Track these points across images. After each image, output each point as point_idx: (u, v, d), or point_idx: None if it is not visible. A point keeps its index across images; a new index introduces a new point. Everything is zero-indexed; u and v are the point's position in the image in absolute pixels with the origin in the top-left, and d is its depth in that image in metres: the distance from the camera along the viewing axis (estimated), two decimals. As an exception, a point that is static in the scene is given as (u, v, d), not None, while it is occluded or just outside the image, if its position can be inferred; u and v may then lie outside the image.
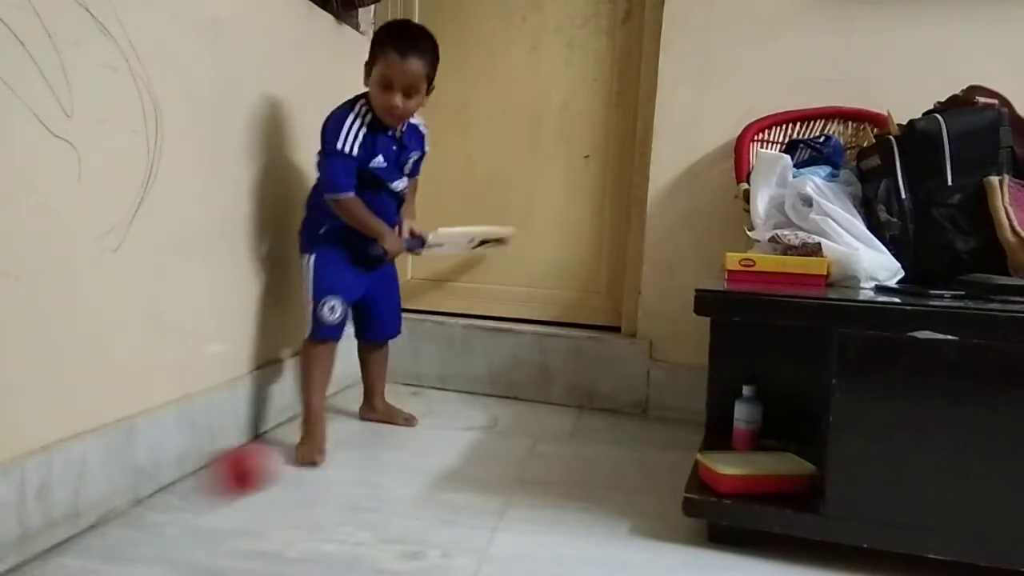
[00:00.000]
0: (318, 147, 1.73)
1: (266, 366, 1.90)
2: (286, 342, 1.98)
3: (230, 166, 1.72)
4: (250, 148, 1.78)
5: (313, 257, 1.79)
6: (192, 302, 1.61)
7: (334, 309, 1.77)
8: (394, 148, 1.78)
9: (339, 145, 1.68)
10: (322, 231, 1.79)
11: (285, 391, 1.97)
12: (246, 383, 1.81)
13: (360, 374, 2.07)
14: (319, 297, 1.76)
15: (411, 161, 1.86)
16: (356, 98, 1.74)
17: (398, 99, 1.67)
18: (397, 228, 1.85)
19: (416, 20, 2.40)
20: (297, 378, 2.02)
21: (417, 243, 1.91)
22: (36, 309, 1.21)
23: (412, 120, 1.83)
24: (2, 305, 1.15)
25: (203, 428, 1.64)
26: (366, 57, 1.73)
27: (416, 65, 1.68)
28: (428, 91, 1.76)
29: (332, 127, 1.70)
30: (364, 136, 1.70)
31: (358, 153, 1.69)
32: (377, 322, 1.98)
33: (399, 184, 1.83)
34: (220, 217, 1.69)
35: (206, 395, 1.65)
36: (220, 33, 1.63)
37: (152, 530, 1.35)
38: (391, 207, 1.84)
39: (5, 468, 1.16)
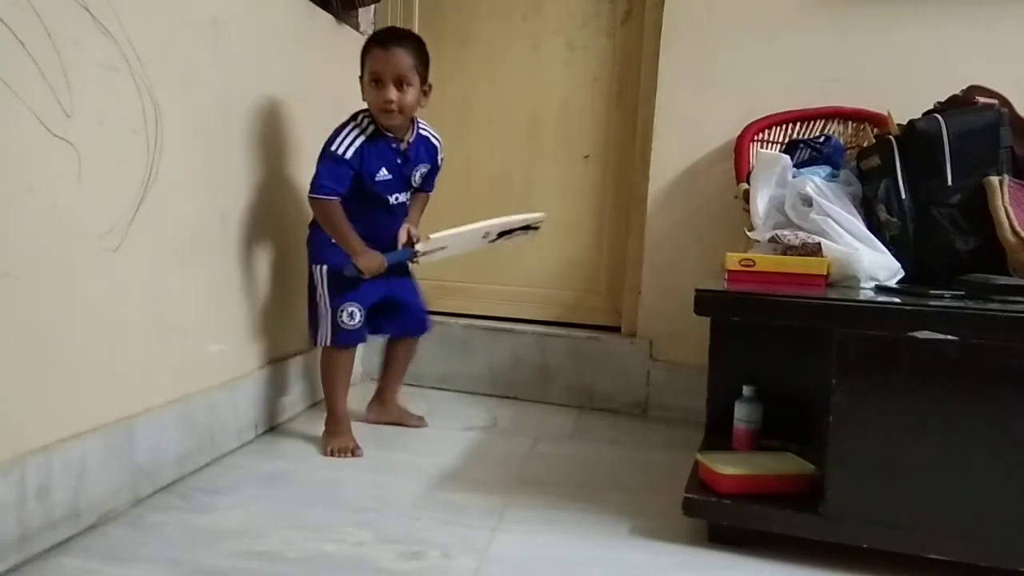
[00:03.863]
0: (319, 152, 1.73)
1: (267, 366, 1.90)
2: (287, 342, 1.98)
3: (230, 166, 1.72)
4: (250, 148, 1.78)
5: (325, 268, 1.77)
6: (192, 302, 1.61)
7: (353, 315, 1.77)
8: (398, 161, 1.77)
9: (333, 147, 1.69)
10: (333, 241, 1.76)
11: (285, 391, 1.98)
12: (246, 383, 1.81)
13: (378, 371, 2.07)
14: (338, 304, 1.76)
15: (418, 174, 1.84)
16: (358, 112, 1.75)
17: (391, 92, 1.67)
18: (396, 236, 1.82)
19: (416, 20, 2.41)
20: (299, 378, 2.04)
21: (407, 253, 1.81)
22: (36, 309, 1.21)
23: (423, 131, 1.83)
24: (2, 305, 1.15)
25: (203, 428, 1.64)
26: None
27: (400, 55, 1.68)
28: (426, 91, 1.76)
29: (331, 135, 1.71)
30: (362, 144, 1.70)
31: (352, 158, 1.69)
32: (402, 318, 1.94)
33: (399, 197, 1.81)
34: (220, 217, 1.69)
35: (206, 395, 1.65)
36: (220, 33, 1.63)
37: (152, 530, 1.35)
38: (386, 222, 1.80)
39: (5, 468, 1.16)
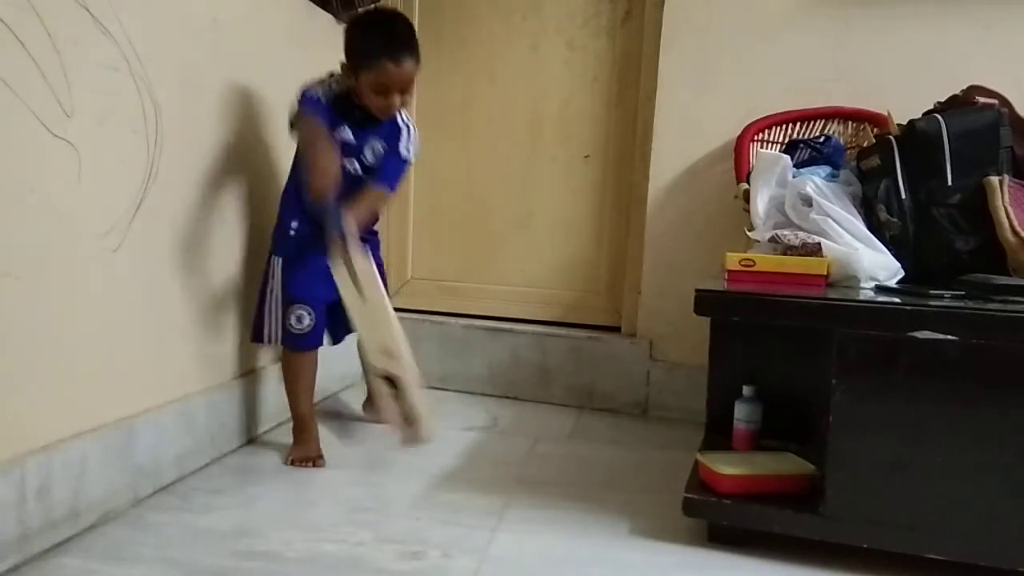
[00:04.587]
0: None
1: (267, 366, 1.90)
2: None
3: (230, 165, 1.71)
4: (250, 147, 1.78)
5: (281, 261, 1.73)
6: (192, 302, 1.61)
7: (301, 319, 1.71)
8: (358, 128, 1.69)
9: (311, 94, 1.62)
10: (292, 232, 1.72)
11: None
12: (247, 383, 1.81)
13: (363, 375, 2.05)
14: (287, 306, 1.71)
15: (370, 150, 1.72)
16: (327, 77, 1.68)
17: (396, 100, 1.65)
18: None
19: (416, 21, 2.40)
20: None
21: (338, 222, 1.52)
22: (36, 309, 1.21)
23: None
24: (2, 305, 1.15)
25: (203, 428, 1.64)
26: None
27: (410, 66, 1.64)
28: None
29: (303, 90, 1.64)
30: (331, 100, 1.64)
31: (326, 107, 1.62)
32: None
33: (354, 164, 1.70)
34: (220, 217, 1.69)
35: (206, 395, 1.66)
36: (220, 33, 1.63)
37: (152, 530, 1.35)
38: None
39: (5, 468, 1.16)
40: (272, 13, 1.85)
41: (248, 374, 1.83)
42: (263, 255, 1.85)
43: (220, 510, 1.45)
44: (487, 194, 2.43)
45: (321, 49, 2.06)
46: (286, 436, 1.85)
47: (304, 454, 1.72)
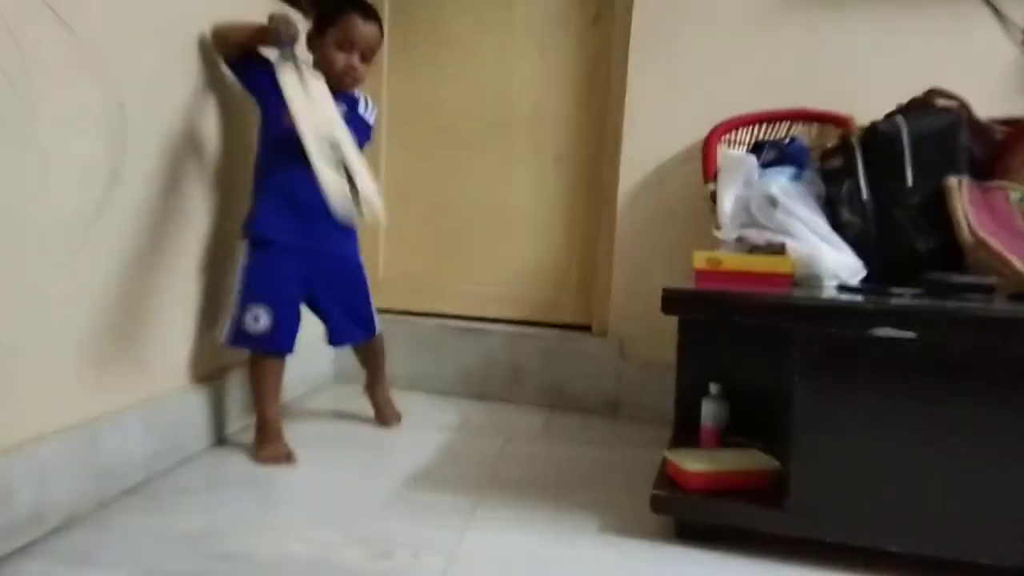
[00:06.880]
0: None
1: (233, 368, 1.88)
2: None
3: (197, 167, 1.70)
4: (218, 150, 1.77)
5: (247, 243, 1.68)
6: (157, 303, 1.60)
7: (258, 318, 1.66)
8: None
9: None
10: (260, 217, 1.69)
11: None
12: (215, 384, 1.80)
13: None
14: (244, 303, 1.67)
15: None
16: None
17: (356, 59, 1.73)
18: None
19: (386, 21, 2.39)
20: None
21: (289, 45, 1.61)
22: (-3, 310, 1.20)
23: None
24: (-38, 306, 1.14)
25: (169, 430, 1.62)
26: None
27: (375, 30, 1.75)
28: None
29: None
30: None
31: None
32: (333, 325, 1.86)
33: None
34: (185, 218, 1.67)
35: (172, 397, 1.64)
36: (187, 32, 1.61)
37: (117, 532, 1.33)
38: (308, 179, 1.53)
39: (-35, 471, 1.14)
40: (240, 11, 1.83)
41: (215, 374, 1.81)
42: (233, 255, 1.83)
43: (187, 512, 1.43)
44: (458, 194, 2.43)
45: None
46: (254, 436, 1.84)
47: (274, 452, 1.72)
